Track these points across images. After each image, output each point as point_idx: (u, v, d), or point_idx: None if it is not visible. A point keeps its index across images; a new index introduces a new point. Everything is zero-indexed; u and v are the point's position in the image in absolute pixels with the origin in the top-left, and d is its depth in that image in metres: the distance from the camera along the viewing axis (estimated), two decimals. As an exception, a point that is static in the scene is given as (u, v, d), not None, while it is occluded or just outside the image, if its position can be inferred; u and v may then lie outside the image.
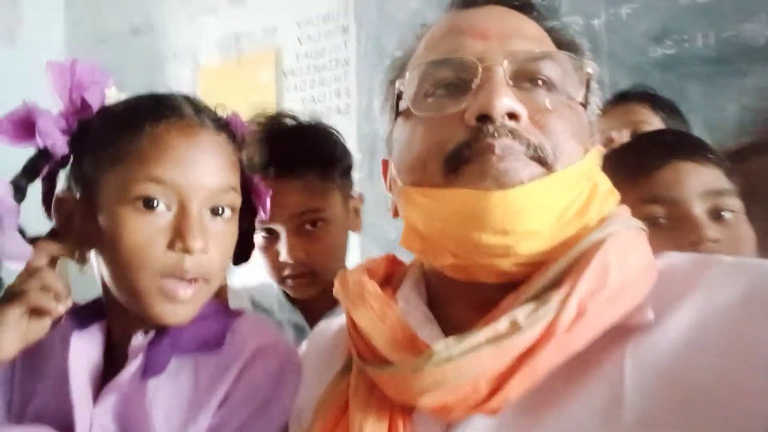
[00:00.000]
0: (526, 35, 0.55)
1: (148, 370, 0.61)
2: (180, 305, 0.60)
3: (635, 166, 0.74)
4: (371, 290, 0.55)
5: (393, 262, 0.66)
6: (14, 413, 0.65)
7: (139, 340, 0.62)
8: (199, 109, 0.64)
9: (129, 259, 0.59)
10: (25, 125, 0.61)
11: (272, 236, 0.96)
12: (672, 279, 0.49)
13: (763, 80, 1.53)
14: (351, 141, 2.28)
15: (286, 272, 0.97)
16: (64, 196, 0.65)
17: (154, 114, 0.61)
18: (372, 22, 2.19)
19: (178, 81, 2.67)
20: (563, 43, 0.58)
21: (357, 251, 2.03)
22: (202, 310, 0.64)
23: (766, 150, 0.95)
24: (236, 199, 0.64)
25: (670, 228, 0.72)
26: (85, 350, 0.64)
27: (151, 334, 0.63)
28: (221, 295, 0.70)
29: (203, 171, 0.60)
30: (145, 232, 0.58)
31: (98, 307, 0.68)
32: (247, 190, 0.70)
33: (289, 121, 1.02)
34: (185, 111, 0.62)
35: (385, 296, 0.54)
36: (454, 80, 0.54)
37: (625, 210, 0.55)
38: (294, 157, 0.95)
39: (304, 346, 0.72)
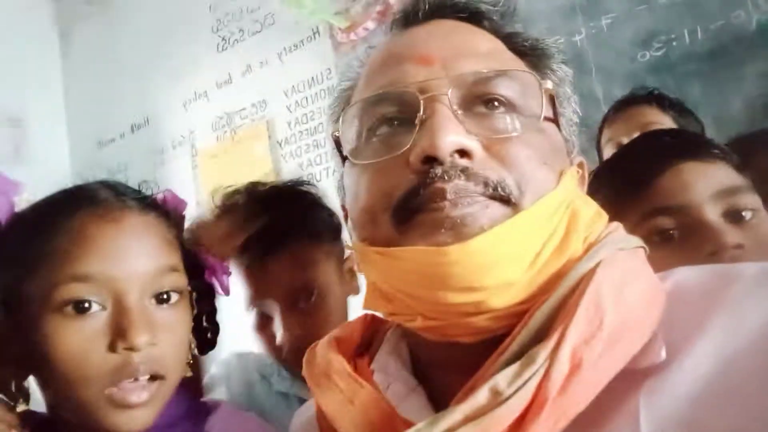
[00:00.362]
0: (475, 53, 0.48)
1: None
2: (136, 411, 0.53)
3: (632, 176, 0.66)
4: (337, 367, 0.48)
5: (372, 322, 0.59)
6: None
7: None
8: (118, 191, 0.59)
9: (67, 373, 0.52)
10: None
11: (265, 317, 0.89)
12: (685, 303, 0.41)
13: (764, 65, 1.45)
14: None
15: (285, 352, 0.88)
16: None
17: (67, 206, 0.56)
18: (356, 78, 2.19)
19: (179, 168, 2.70)
20: (525, 50, 0.51)
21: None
22: (169, 416, 0.57)
23: None
24: (179, 280, 0.58)
25: (684, 239, 0.62)
26: None
27: None
28: (196, 386, 0.63)
29: (133, 258, 0.54)
30: (80, 339, 0.52)
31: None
32: (200, 269, 0.64)
33: (261, 189, 0.96)
34: (101, 196, 0.57)
35: (353, 373, 0.47)
36: (397, 113, 0.47)
37: (617, 227, 0.47)
38: (276, 231, 0.88)
39: (290, 426, 0.64)
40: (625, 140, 1.11)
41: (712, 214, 0.62)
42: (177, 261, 0.59)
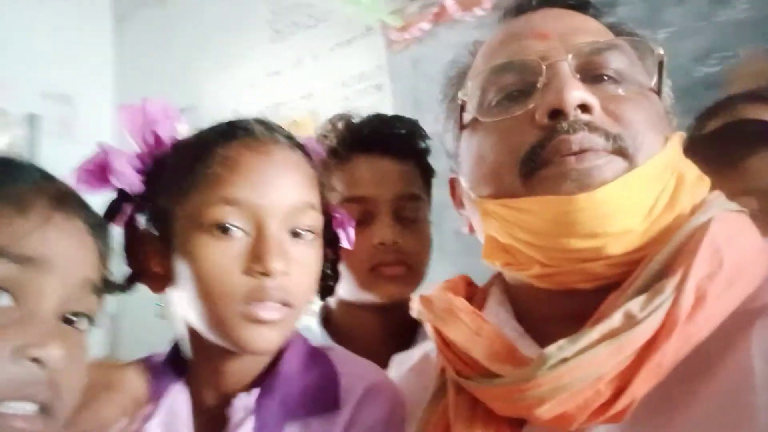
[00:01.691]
0: (587, 30, 0.54)
1: None
2: (266, 329, 0.56)
3: (721, 156, 0.70)
4: (461, 306, 0.52)
5: (469, 283, 0.63)
6: None
7: (243, 400, 0.57)
8: (271, 127, 0.62)
9: (208, 288, 0.55)
10: (101, 170, 0.61)
11: (359, 222, 0.83)
12: None
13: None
14: None
15: (378, 260, 0.85)
16: (141, 235, 0.62)
17: (224, 136, 0.60)
18: (407, 78, 2.23)
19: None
20: (625, 35, 0.56)
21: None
22: (306, 358, 0.60)
23: None
24: (317, 220, 0.61)
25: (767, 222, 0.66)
26: (175, 412, 0.59)
27: (256, 392, 0.58)
28: None
29: (279, 189, 0.57)
30: (222, 258, 0.55)
31: (175, 362, 0.63)
32: (328, 218, 0.67)
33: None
34: (256, 130, 0.60)
35: (476, 311, 0.51)
36: (519, 84, 0.52)
37: (720, 195, 0.51)
38: (399, 141, 0.89)
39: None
40: None
41: None
42: (316, 200, 0.61)
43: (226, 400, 0.58)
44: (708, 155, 0.71)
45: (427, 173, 0.93)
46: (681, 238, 0.45)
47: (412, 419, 0.58)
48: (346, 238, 0.68)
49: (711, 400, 0.41)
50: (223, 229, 0.56)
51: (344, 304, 0.92)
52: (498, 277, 0.61)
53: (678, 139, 0.52)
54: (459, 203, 0.62)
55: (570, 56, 0.50)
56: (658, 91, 0.53)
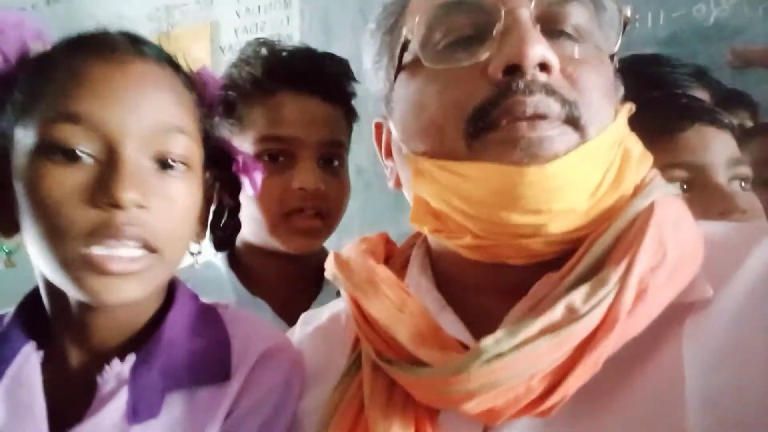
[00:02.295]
0: None
1: (138, 413, 0.48)
2: (119, 280, 0.46)
3: (658, 127, 0.69)
4: (384, 276, 0.48)
5: (387, 241, 0.59)
6: None
7: (116, 368, 0.49)
8: (136, 39, 0.52)
9: (48, 224, 0.46)
10: None
11: (277, 162, 0.80)
12: (720, 249, 0.45)
13: (712, 61, 1.56)
14: None
15: (295, 205, 0.80)
16: None
17: (74, 46, 0.50)
18: (318, -4, 2.08)
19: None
20: None
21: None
22: (194, 321, 0.54)
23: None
24: (189, 148, 0.51)
25: (695, 195, 0.67)
26: (19, 380, 0.49)
27: (131, 359, 0.50)
28: None
29: (136, 105, 0.47)
30: (62, 188, 0.46)
31: (28, 320, 0.53)
32: (226, 159, 0.59)
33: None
34: (115, 41, 0.50)
35: (401, 283, 0.48)
36: (472, 27, 0.46)
37: (657, 173, 0.50)
38: (331, 82, 0.83)
39: (291, 336, 0.63)
40: None
41: (723, 178, 0.68)
42: (187, 124, 0.51)
43: (97, 365, 0.50)
44: (645, 124, 0.72)
45: (351, 119, 0.88)
46: (624, 222, 0.43)
47: (314, 385, 0.55)
48: (251, 185, 0.61)
49: (641, 394, 0.40)
50: (67, 153, 0.46)
51: (250, 247, 0.86)
52: (421, 238, 0.57)
53: (626, 112, 0.50)
54: (387, 152, 0.56)
55: (532, 3, 0.44)
56: (612, 56, 0.49)
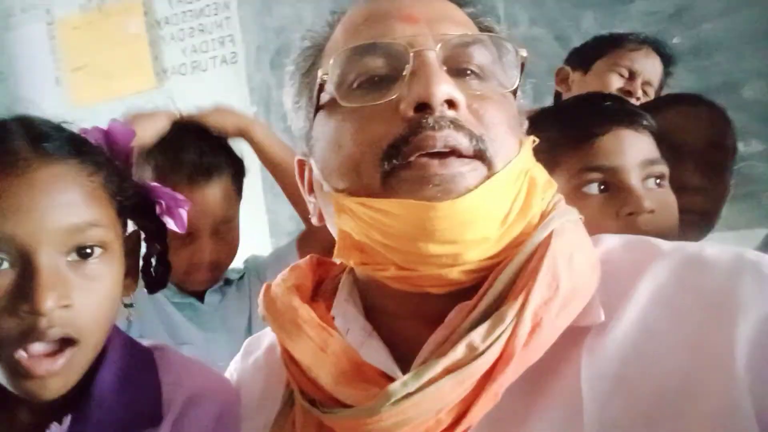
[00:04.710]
0: (453, 19, 0.51)
1: None
2: (47, 379, 0.50)
3: (577, 131, 0.72)
4: (306, 317, 0.49)
5: (319, 265, 0.61)
6: None
7: (55, 430, 0.52)
8: (36, 134, 0.52)
9: None
10: None
11: (181, 239, 0.93)
12: (615, 270, 0.48)
13: (649, 5, 1.57)
14: (242, 92, 2.18)
15: (194, 269, 0.99)
16: None
17: None
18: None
19: (30, 38, 2.34)
20: (485, 29, 0.54)
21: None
22: (125, 375, 0.55)
23: (677, 102, 0.93)
24: (104, 235, 0.53)
25: (608, 197, 0.70)
26: None
27: (67, 421, 0.52)
28: None
29: (43, 213, 0.49)
30: None
31: None
32: (149, 207, 0.60)
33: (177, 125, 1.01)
34: (14, 143, 0.51)
35: (322, 323, 0.49)
36: (383, 69, 0.48)
37: (561, 198, 0.52)
38: (211, 164, 0.97)
39: (233, 368, 0.65)
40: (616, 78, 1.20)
41: (636, 179, 0.70)
42: (99, 215, 0.53)
43: (44, 424, 0.52)
44: (567, 125, 0.73)
45: (240, 183, 1.05)
46: (524, 255, 0.45)
47: (250, 419, 0.57)
48: (177, 223, 0.62)
49: (542, 419, 0.43)
50: None
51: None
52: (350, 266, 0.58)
53: (530, 144, 0.52)
54: (309, 188, 0.57)
55: (438, 46, 0.47)
56: (515, 92, 0.52)
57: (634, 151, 0.71)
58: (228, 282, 1.07)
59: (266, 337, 0.64)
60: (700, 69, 1.51)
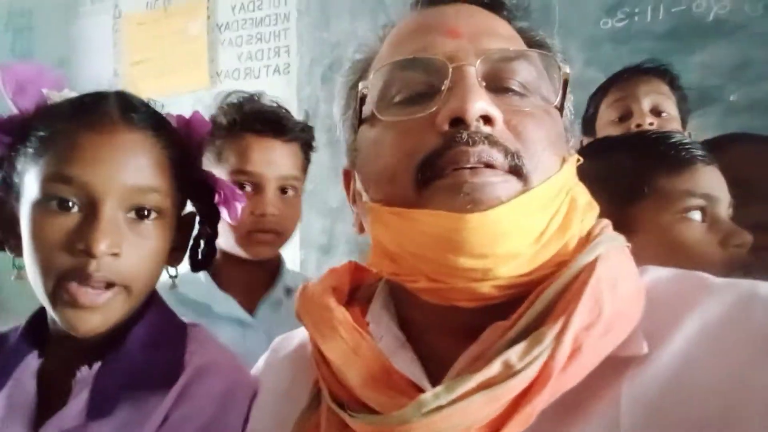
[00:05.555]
0: (498, 34, 0.51)
1: (93, 410, 0.56)
2: (89, 312, 0.56)
3: (677, 157, 0.74)
4: (341, 319, 0.49)
5: (356, 270, 0.60)
6: None
7: (85, 373, 0.58)
8: (126, 105, 0.60)
9: (37, 262, 0.56)
10: None
11: (243, 191, 0.97)
12: (661, 302, 0.46)
13: (710, 58, 1.54)
14: (291, 104, 2.21)
15: (256, 226, 0.98)
16: (2, 198, 0.61)
17: (72, 112, 0.59)
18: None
19: (96, 29, 2.43)
20: (535, 44, 0.54)
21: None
22: (157, 335, 0.60)
23: (742, 140, 0.94)
24: (161, 202, 0.60)
25: (708, 226, 0.72)
26: (20, 381, 0.60)
27: (96, 366, 0.58)
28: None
29: (117, 169, 0.57)
30: (51, 233, 0.55)
31: (34, 331, 0.63)
32: (208, 192, 0.67)
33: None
34: (106, 108, 0.59)
35: (356, 326, 0.49)
36: (423, 83, 0.49)
37: (608, 224, 0.51)
38: (288, 125, 1.02)
39: (261, 364, 0.66)
40: (636, 105, 1.20)
41: (725, 213, 0.73)
42: (162, 184, 0.60)
43: (75, 368, 0.58)
44: (622, 177, 0.74)
45: (308, 155, 1.08)
46: (568, 277, 0.44)
47: (274, 415, 0.57)
48: (231, 215, 0.68)
49: None
50: (61, 205, 0.56)
51: (224, 254, 1.03)
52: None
53: (574, 162, 0.51)
54: (353, 199, 0.58)
55: (478, 61, 0.47)
56: (561, 108, 0.52)
57: (724, 185, 0.74)
58: (289, 292, 1.05)
59: (297, 336, 0.64)
60: (757, 128, 1.47)
